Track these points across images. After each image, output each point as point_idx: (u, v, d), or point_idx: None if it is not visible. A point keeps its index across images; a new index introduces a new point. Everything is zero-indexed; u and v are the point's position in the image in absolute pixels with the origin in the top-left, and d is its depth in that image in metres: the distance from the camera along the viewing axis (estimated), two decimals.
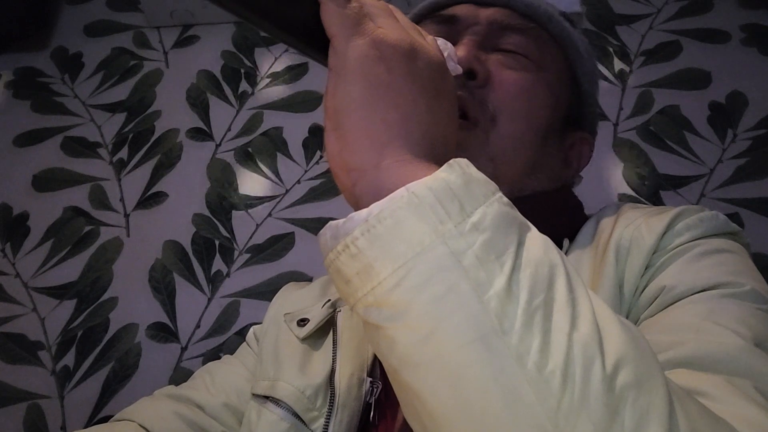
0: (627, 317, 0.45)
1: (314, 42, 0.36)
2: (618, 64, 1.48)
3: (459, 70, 0.46)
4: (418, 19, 0.62)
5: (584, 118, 0.64)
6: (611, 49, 1.50)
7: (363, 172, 0.33)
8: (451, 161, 0.32)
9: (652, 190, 1.32)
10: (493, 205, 0.31)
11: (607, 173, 1.34)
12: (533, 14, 0.60)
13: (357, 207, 0.33)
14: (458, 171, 0.31)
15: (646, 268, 0.46)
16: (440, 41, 0.43)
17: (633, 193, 1.32)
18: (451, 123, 0.38)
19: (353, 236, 0.31)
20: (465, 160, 0.32)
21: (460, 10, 0.59)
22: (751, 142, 1.35)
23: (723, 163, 1.33)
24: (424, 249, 0.29)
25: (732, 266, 0.45)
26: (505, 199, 0.32)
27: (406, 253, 0.29)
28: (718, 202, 1.29)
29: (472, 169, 0.32)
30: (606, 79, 1.46)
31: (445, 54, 0.42)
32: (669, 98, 1.42)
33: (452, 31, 0.58)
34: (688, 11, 1.53)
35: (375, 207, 0.30)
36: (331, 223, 0.32)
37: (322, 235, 0.33)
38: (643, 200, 1.31)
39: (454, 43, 0.55)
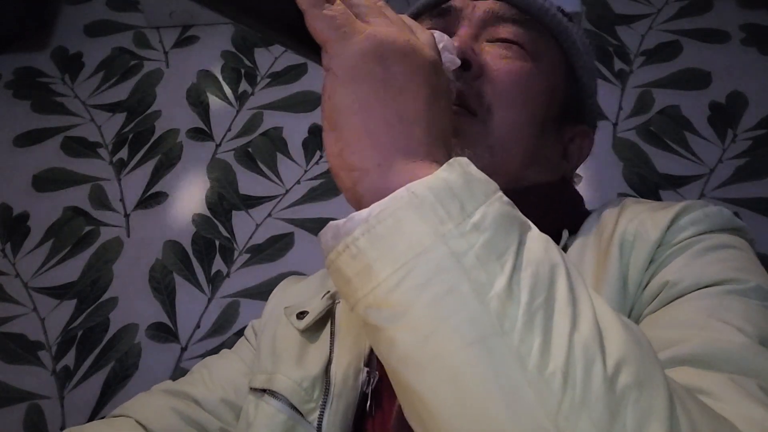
0: (631, 312, 0.45)
1: (306, 42, 0.35)
2: (618, 64, 1.48)
3: (457, 62, 0.45)
4: (416, 15, 0.62)
5: (583, 111, 0.63)
6: (611, 49, 1.50)
7: (365, 171, 0.33)
8: (451, 161, 0.32)
9: (652, 189, 1.32)
10: (493, 204, 0.31)
11: (607, 173, 1.34)
12: (528, 7, 0.60)
13: (358, 207, 0.33)
14: (458, 170, 0.31)
15: (650, 263, 0.46)
16: (436, 34, 0.42)
17: (633, 193, 1.32)
18: (448, 120, 0.38)
19: (354, 236, 0.30)
20: (465, 159, 0.32)
21: (455, 2, 0.60)
22: (751, 142, 1.35)
23: (723, 163, 1.33)
24: (425, 249, 0.29)
25: (737, 262, 0.44)
26: (506, 198, 0.32)
27: (407, 254, 0.29)
28: (718, 202, 1.28)
29: (472, 168, 0.32)
30: (606, 79, 1.46)
31: (441, 46, 0.41)
32: (669, 98, 1.42)
33: (448, 23, 0.58)
34: (688, 11, 1.53)
35: (375, 207, 0.30)
36: (331, 222, 0.32)
37: (323, 235, 0.33)
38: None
39: (450, 35, 0.55)
